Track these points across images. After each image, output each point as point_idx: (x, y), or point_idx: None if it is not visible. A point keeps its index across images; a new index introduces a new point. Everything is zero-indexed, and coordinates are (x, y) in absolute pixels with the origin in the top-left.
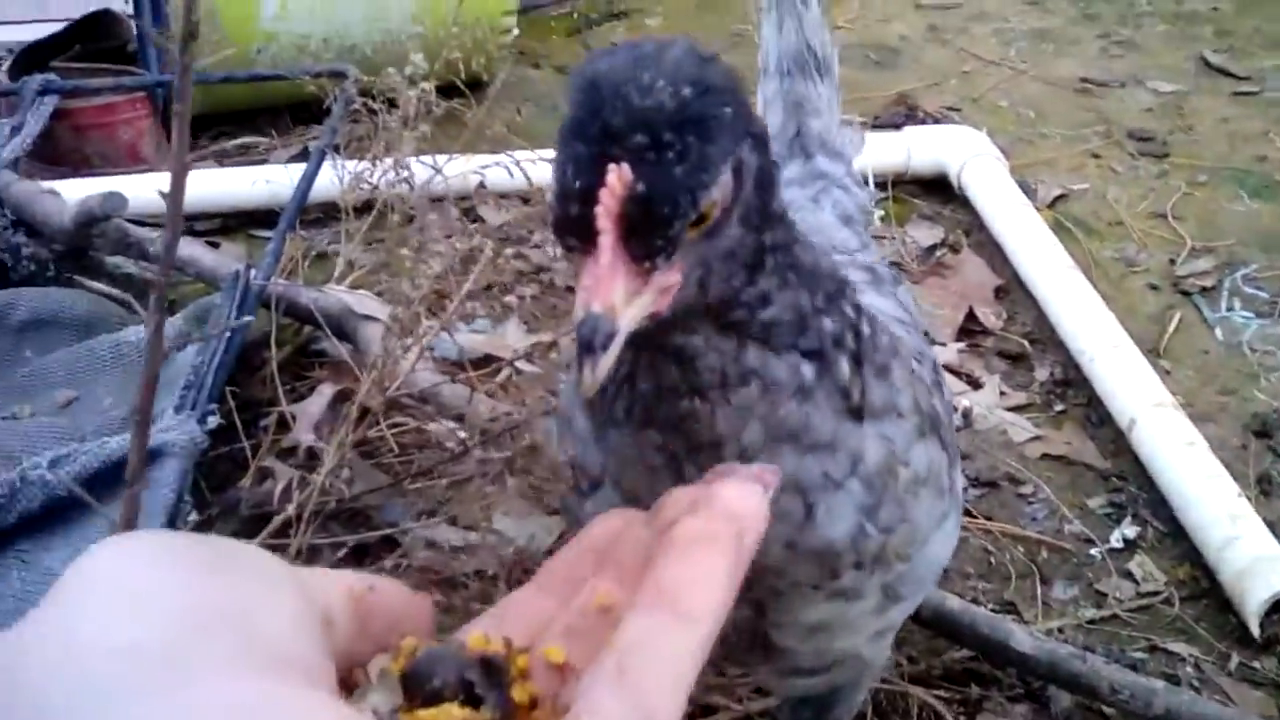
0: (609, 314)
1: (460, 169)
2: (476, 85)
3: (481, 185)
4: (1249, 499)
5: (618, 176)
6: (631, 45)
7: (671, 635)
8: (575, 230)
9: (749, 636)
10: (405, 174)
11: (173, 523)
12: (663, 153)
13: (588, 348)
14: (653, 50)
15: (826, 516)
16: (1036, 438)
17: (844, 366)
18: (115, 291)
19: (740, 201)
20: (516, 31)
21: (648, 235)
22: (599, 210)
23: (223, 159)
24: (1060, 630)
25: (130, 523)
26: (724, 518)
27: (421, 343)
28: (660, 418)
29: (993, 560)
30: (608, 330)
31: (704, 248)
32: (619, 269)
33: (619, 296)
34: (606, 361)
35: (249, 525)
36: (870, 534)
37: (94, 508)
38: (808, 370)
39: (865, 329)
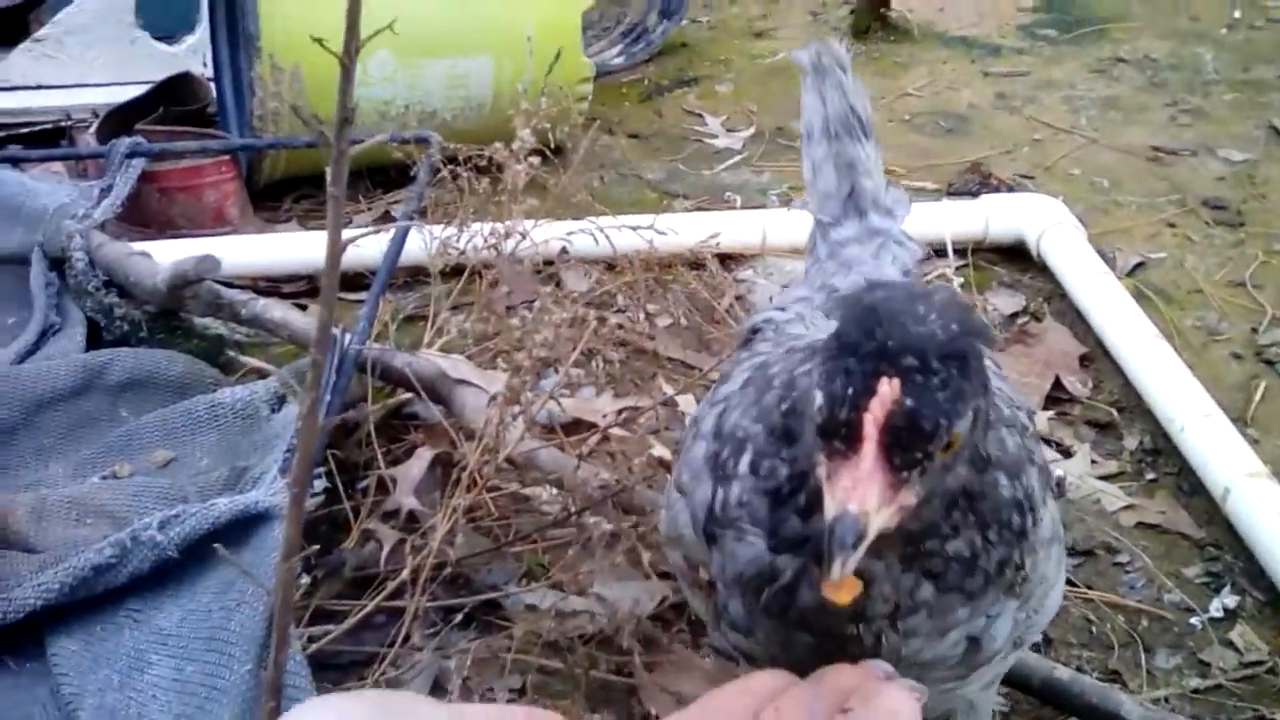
0: (863, 516)
1: (546, 235)
2: (557, 152)
3: (564, 251)
4: None
5: (889, 389)
6: (904, 284)
7: None
8: (842, 435)
9: None
10: (493, 243)
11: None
12: (929, 377)
13: (840, 545)
14: (924, 291)
15: (990, 641)
16: (1129, 506)
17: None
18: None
19: (969, 442)
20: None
21: (908, 449)
22: (867, 418)
23: (306, 218)
24: (1166, 700)
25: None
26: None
27: (530, 410)
28: (819, 628)
29: (1094, 629)
30: (859, 531)
31: (937, 477)
32: (877, 477)
33: (872, 502)
34: (854, 561)
35: (353, 588)
36: (1021, 621)
37: (203, 568)
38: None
39: (1030, 539)
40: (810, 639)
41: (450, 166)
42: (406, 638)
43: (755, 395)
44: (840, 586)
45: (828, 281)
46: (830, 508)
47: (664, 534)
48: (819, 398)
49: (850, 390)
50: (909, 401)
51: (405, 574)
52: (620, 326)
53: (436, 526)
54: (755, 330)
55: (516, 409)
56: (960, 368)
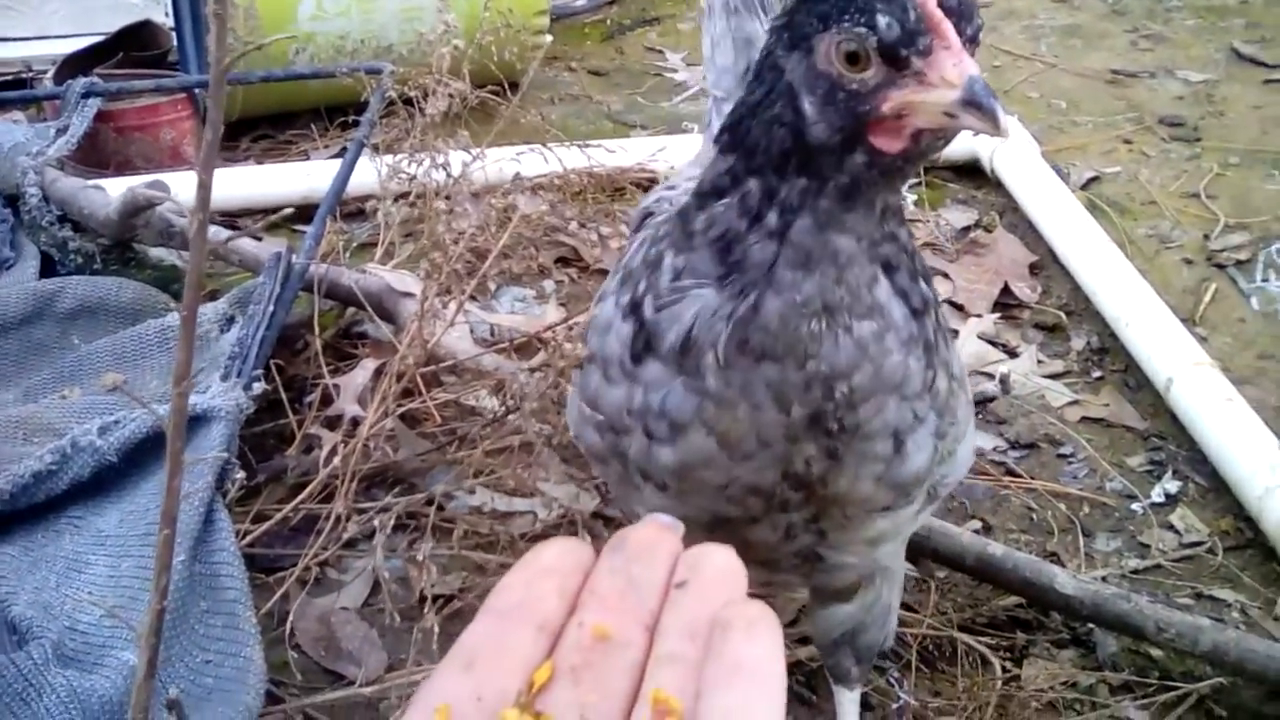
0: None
1: (496, 158)
2: (514, 87)
3: (518, 175)
4: None
5: None
6: None
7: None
8: (917, 37)
9: (801, 558)
10: (442, 162)
11: (220, 483)
12: None
13: (988, 95)
14: None
15: (915, 450)
16: (1074, 402)
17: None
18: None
19: None
20: (550, 38)
21: (969, 19)
22: (932, 7)
23: (264, 158)
24: (1104, 579)
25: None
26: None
27: (459, 300)
28: (780, 347)
29: (1034, 516)
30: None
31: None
32: (965, 49)
33: (975, 66)
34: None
35: (295, 491)
36: (939, 451)
37: (144, 473)
38: (912, 324)
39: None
40: (774, 373)
41: (403, 96)
42: (351, 541)
43: (650, 244)
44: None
45: None
46: (954, 76)
47: (574, 430)
48: (882, 22)
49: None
50: None
51: (334, 466)
52: (553, 243)
53: (373, 426)
54: (648, 214)
55: (440, 306)
56: None
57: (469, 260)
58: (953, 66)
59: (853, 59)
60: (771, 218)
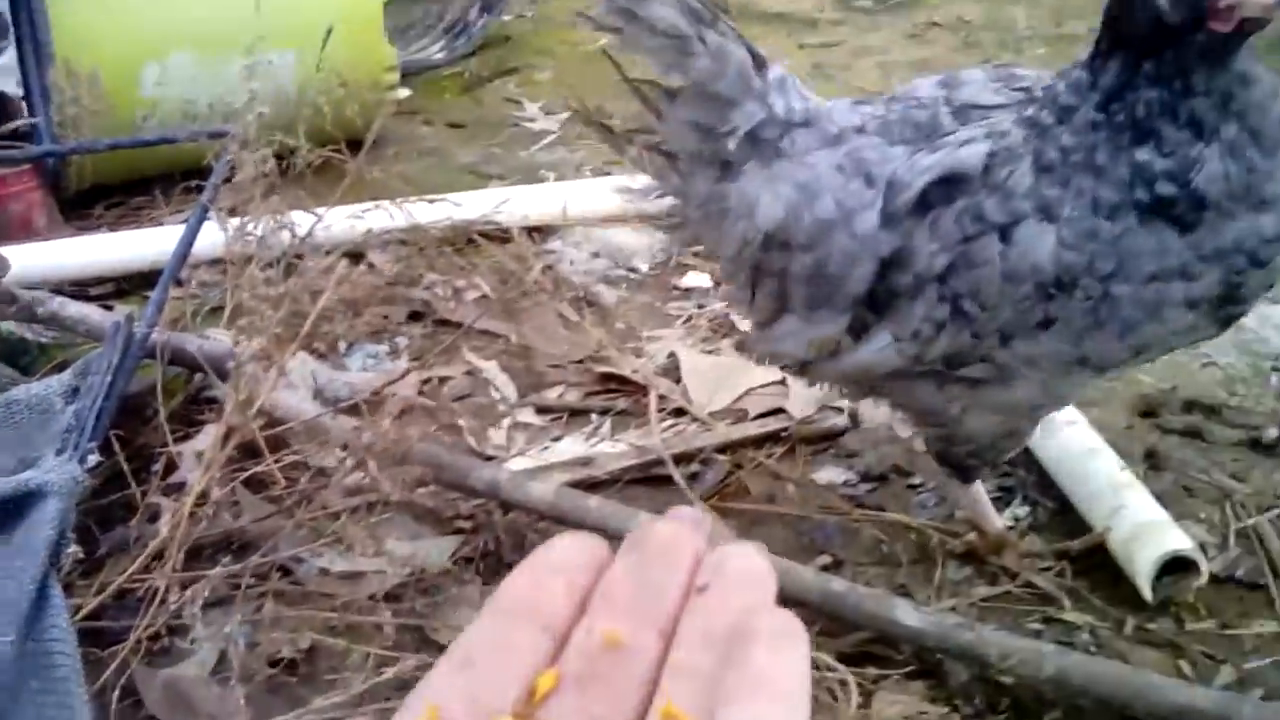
0: None
1: (341, 216)
2: (359, 144)
3: (369, 230)
4: (1137, 475)
5: None
6: None
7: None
8: None
9: None
10: (287, 224)
11: (55, 559)
12: None
13: None
14: None
15: None
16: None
17: None
18: None
19: None
20: (408, 92)
21: None
22: None
23: (117, 224)
24: (954, 609)
25: None
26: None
27: (281, 360)
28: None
29: (885, 549)
30: None
31: None
32: None
33: None
34: None
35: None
36: None
37: None
38: None
39: None
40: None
41: (251, 158)
42: (200, 608)
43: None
44: None
45: None
46: None
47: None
48: None
49: None
50: None
51: (161, 536)
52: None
53: (210, 493)
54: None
55: (261, 371)
56: None
57: (297, 319)
58: None
59: None
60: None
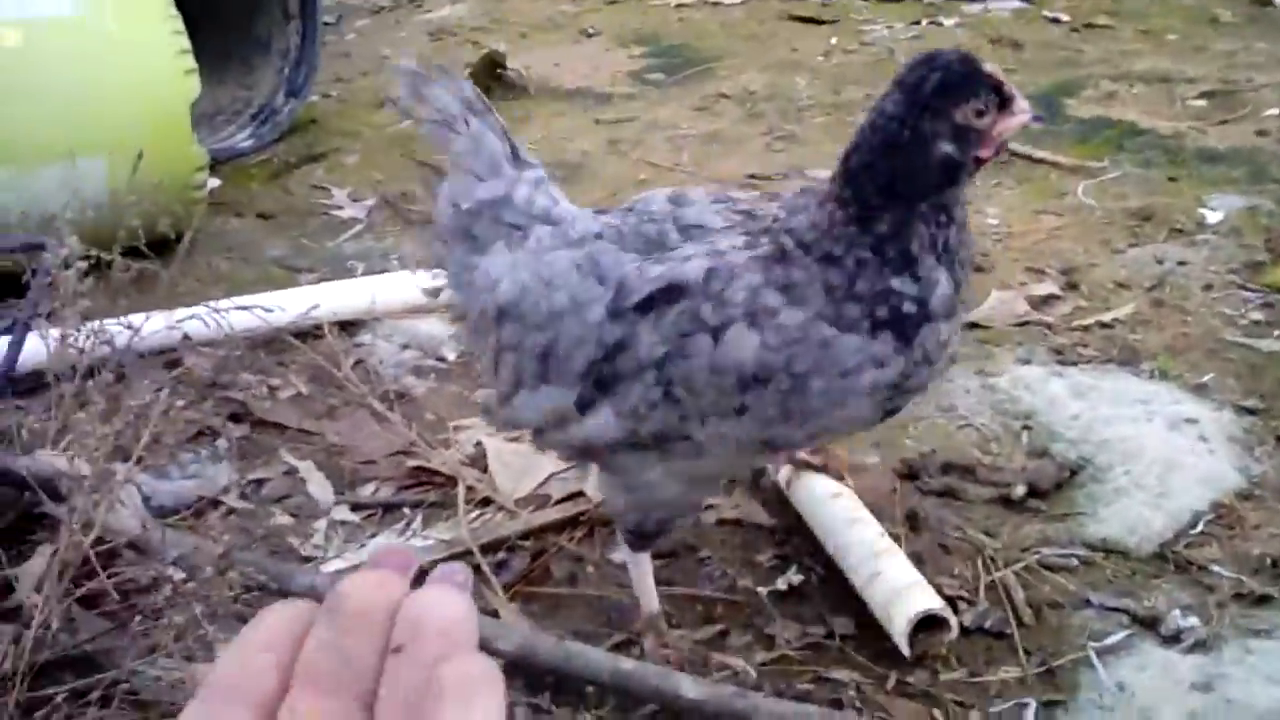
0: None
1: (157, 325)
2: (173, 243)
3: (186, 337)
4: (899, 536)
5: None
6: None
7: None
8: (999, 92)
9: None
10: (106, 337)
11: None
12: None
13: (1034, 110)
14: None
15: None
16: (709, 506)
17: None
18: None
19: None
20: (218, 182)
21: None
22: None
23: None
24: (735, 675)
25: None
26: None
27: (114, 484)
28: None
29: (674, 621)
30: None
31: None
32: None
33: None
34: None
35: None
36: None
37: None
38: None
39: None
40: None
41: (68, 268)
42: None
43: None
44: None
45: None
46: (1025, 107)
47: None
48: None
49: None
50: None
51: (5, 665)
52: (225, 400)
53: (43, 614)
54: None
55: (102, 487)
56: None
57: (125, 432)
58: (1021, 100)
59: (980, 113)
60: (943, 216)
